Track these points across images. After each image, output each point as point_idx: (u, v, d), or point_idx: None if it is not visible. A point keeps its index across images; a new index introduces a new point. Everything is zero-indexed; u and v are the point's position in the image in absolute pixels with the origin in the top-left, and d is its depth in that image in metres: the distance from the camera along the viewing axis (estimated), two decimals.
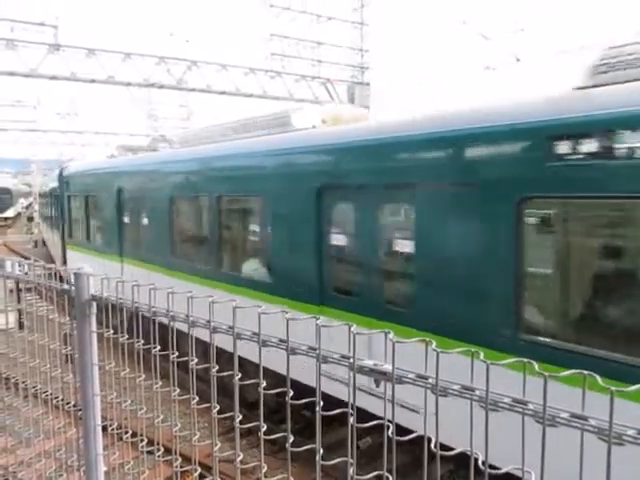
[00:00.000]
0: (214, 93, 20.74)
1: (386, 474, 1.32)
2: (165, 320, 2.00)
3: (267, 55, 21.41)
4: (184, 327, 1.91)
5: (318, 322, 1.41)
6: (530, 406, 1.04)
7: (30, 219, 36.12)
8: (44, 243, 26.51)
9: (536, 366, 1.08)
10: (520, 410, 1.05)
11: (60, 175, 15.89)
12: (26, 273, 3.23)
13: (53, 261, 17.78)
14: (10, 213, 45.71)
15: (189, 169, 9.10)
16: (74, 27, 28.12)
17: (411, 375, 1.22)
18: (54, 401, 3.14)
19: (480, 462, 1.13)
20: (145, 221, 10.43)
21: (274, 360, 1.63)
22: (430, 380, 1.18)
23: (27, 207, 43.07)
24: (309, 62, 22.50)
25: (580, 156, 3.96)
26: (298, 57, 22.20)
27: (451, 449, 1.21)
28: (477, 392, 1.12)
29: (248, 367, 2.88)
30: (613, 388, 0.95)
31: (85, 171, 14.38)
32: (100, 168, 13.51)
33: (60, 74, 17.94)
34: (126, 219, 11.17)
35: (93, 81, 18.63)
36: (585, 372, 1.02)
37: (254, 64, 21.21)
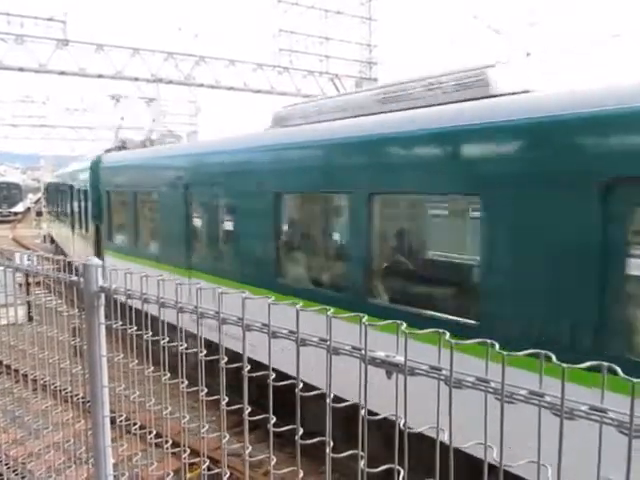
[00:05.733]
0: (222, 88, 20.74)
1: (397, 467, 1.30)
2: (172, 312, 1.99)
3: (275, 50, 21.38)
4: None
5: (329, 314, 1.40)
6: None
7: (39, 214, 36.26)
8: None
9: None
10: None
11: None
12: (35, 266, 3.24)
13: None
14: (20, 208, 46.05)
15: None
16: (82, 22, 28.19)
17: (424, 367, 1.19)
18: (63, 393, 3.15)
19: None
20: None
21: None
22: (444, 372, 1.16)
23: (36, 202, 43.32)
24: (317, 57, 22.44)
25: None
26: (306, 52, 22.14)
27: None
28: (492, 384, 1.10)
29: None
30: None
31: None
32: None
33: (69, 69, 18.01)
34: None
35: (101, 76, 18.68)
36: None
37: (262, 59, 21.20)
